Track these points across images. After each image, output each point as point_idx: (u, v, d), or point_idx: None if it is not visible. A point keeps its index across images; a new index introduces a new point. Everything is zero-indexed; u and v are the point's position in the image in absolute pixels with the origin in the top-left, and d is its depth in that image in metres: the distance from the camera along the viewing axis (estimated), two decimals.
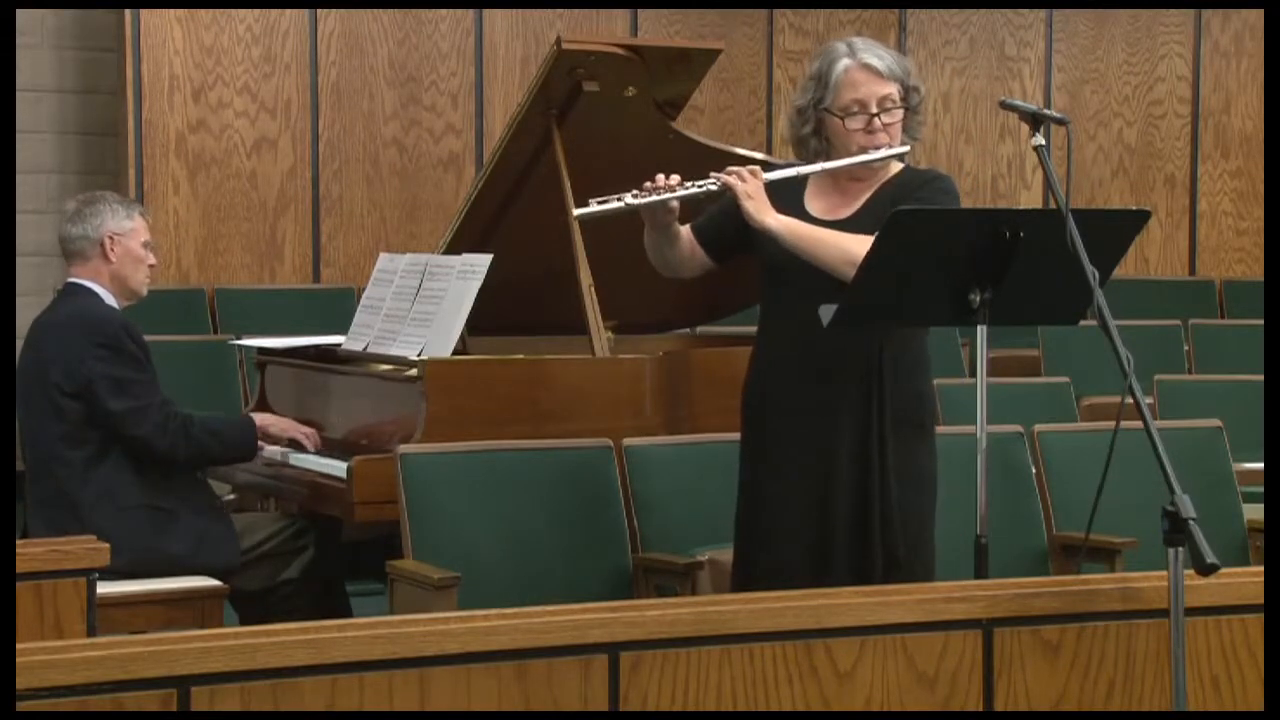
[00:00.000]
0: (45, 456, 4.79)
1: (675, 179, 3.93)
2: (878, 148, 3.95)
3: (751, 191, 3.88)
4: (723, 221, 4.05)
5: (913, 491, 3.98)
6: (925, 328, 4.07)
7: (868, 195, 4.01)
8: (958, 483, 4.25)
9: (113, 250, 4.84)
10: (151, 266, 4.96)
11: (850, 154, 3.95)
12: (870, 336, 3.94)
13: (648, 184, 3.92)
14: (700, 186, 3.91)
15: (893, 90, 3.95)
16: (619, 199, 3.90)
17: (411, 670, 2.74)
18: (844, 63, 3.95)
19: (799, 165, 4.00)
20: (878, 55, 3.97)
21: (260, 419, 5.11)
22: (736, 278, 4.47)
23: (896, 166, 4.04)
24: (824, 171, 3.98)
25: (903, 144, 3.99)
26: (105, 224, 4.84)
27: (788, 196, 3.97)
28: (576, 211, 3.91)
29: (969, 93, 9.83)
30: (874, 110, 3.94)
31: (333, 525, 5.17)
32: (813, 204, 4.00)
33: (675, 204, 3.94)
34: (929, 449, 4.03)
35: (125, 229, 4.87)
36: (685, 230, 4.10)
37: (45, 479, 4.78)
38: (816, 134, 4.00)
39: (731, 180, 3.89)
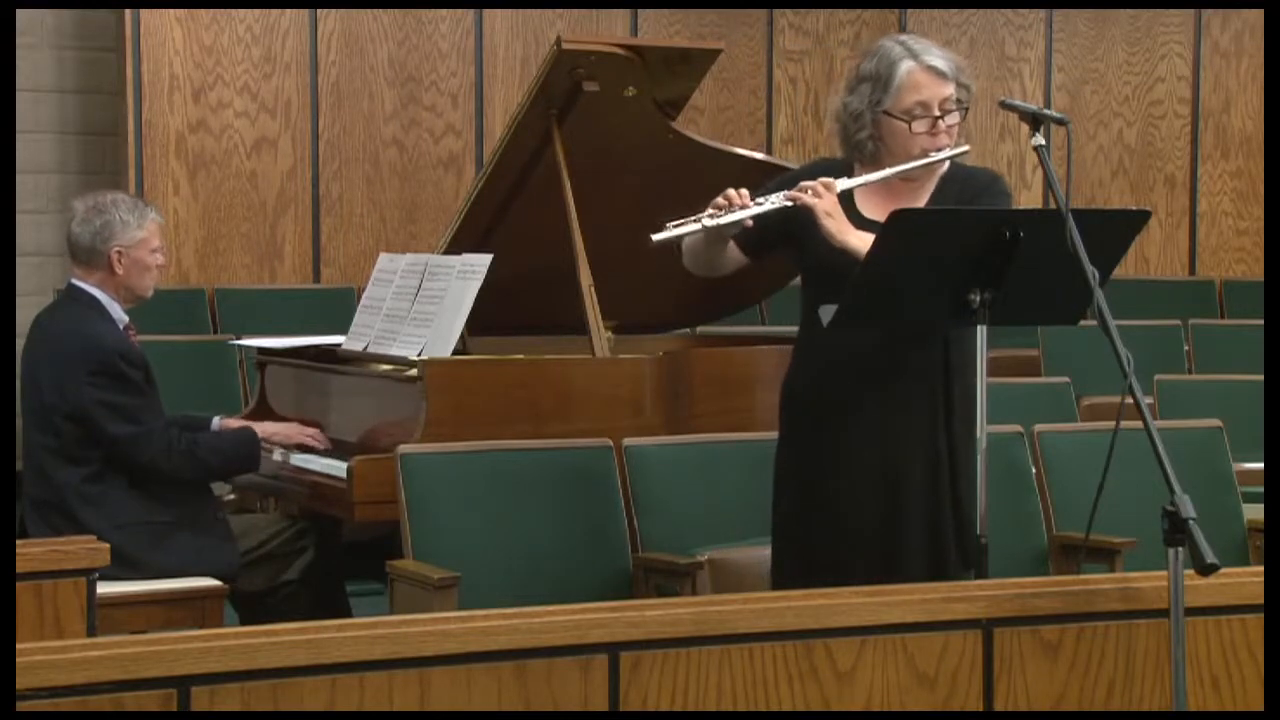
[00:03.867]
0: (41, 464, 4.77)
1: (745, 193, 3.83)
2: (939, 149, 3.90)
3: (830, 209, 3.80)
4: (764, 223, 3.92)
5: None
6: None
7: (927, 196, 3.96)
8: None
9: (119, 263, 4.79)
10: (160, 267, 4.92)
11: (911, 156, 3.87)
12: (933, 337, 3.90)
13: (719, 200, 3.82)
14: (774, 204, 3.83)
15: (953, 91, 3.89)
16: (696, 220, 3.80)
17: (411, 670, 2.74)
18: (907, 64, 3.87)
19: (868, 175, 3.90)
20: (939, 56, 3.91)
21: (262, 431, 5.08)
22: (737, 279, 4.47)
23: (944, 164, 3.99)
24: (891, 177, 3.90)
25: (959, 144, 3.94)
26: (114, 238, 4.77)
27: (840, 201, 3.89)
28: (655, 236, 3.83)
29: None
30: (937, 112, 3.87)
31: (333, 525, 5.17)
32: (866, 207, 3.92)
33: (749, 221, 3.85)
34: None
35: (135, 240, 4.80)
36: None
37: (42, 485, 4.77)
38: (871, 137, 3.92)
39: (809, 200, 3.80)
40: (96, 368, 4.69)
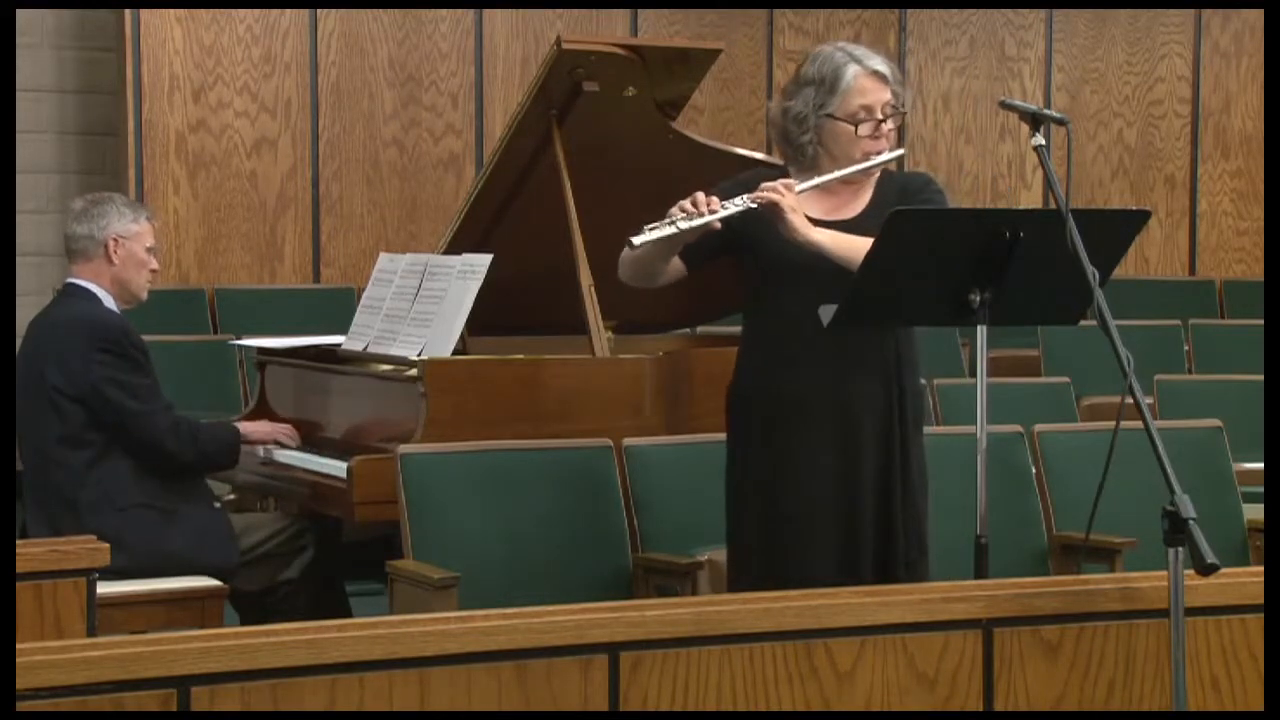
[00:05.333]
0: (43, 456, 4.79)
1: (715, 200, 3.88)
2: (879, 153, 3.96)
3: (794, 205, 3.86)
4: (705, 235, 3.94)
5: (924, 488, 4.01)
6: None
7: (868, 196, 4.02)
8: (958, 483, 4.25)
9: (116, 253, 4.84)
10: (153, 271, 4.96)
11: (852, 159, 3.95)
12: (885, 334, 3.94)
13: (685, 204, 3.86)
14: (739, 206, 3.88)
15: (890, 96, 3.98)
16: (670, 223, 3.85)
17: (411, 670, 2.74)
18: (853, 69, 3.94)
19: (822, 175, 3.95)
20: (881, 61, 4.00)
21: (244, 428, 5.13)
22: (737, 279, 4.46)
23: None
24: (841, 178, 3.96)
25: (895, 148, 4.02)
26: (111, 226, 4.84)
27: None
28: (634, 240, 3.87)
29: (969, 93, 9.83)
30: (880, 116, 3.95)
31: (333, 525, 5.17)
32: (810, 207, 3.97)
33: (718, 224, 3.89)
34: (923, 445, 4.06)
35: (130, 232, 4.86)
36: None
37: (44, 478, 4.78)
38: (813, 141, 3.98)
39: (775, 197, 3.85)
40: (104, 345, 4.73)
